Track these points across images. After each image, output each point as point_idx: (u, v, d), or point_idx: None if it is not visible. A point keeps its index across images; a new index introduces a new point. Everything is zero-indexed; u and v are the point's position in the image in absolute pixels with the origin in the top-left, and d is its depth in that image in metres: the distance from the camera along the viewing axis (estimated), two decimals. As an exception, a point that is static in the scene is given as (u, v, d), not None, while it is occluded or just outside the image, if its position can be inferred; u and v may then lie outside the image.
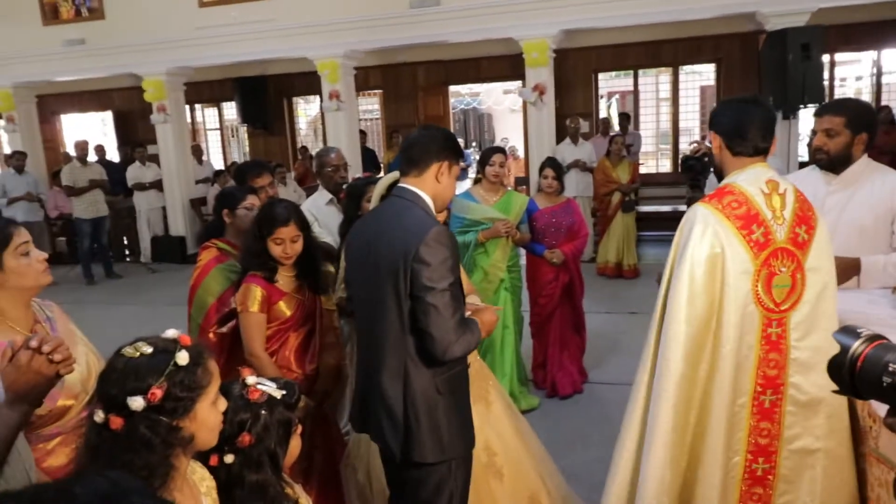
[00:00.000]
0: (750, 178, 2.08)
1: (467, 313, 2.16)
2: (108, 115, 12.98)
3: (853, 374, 1.03)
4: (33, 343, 1.37)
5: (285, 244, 2.57)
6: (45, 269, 1.84)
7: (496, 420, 2.39)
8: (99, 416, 1.31)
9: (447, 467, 2.17)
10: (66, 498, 0.71)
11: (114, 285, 8.92)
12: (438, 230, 2.05)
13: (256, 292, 2.55)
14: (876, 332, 1.05)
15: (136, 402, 1.28)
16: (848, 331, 1.06)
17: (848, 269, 2.60)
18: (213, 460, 1.55)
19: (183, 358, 1.33)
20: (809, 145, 2.88)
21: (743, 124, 2.09)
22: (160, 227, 10.10)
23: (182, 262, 9.43)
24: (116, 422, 1.29)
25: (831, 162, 2.71)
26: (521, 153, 12.54)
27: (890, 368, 0.98)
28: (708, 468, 2.05)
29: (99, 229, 8.86)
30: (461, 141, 18.58)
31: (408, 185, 2.20)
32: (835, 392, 1.10)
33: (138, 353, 1.32)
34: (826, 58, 9.33)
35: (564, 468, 3.57)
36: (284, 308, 2.62)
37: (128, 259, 10.45)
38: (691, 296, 2.00)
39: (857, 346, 1.04)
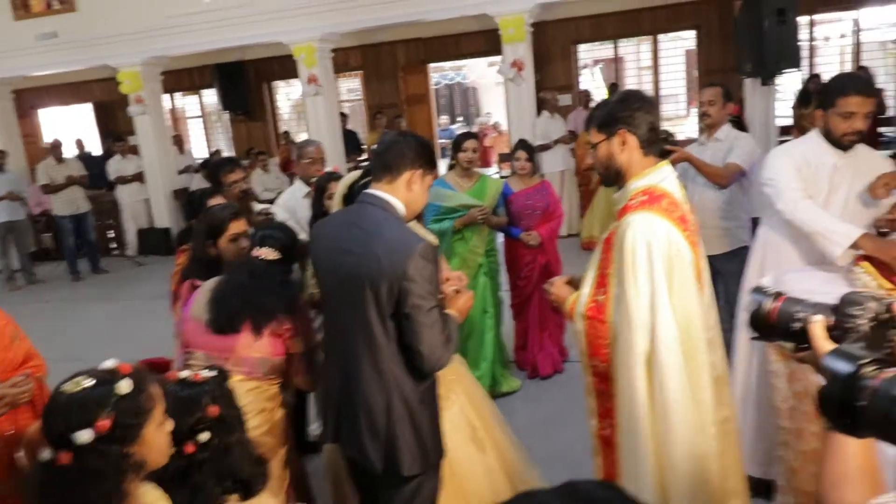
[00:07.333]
0: (668, 179, 2.02)
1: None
2: (88, 107, 12.86)
3: (768, 324, 1.30)
4: None
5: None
6: None
7: (448, 426, 2.41)
8: (46, 454, 1.32)
9: (425, 476, 2.16)
10: None
11: (100, 280, 8.90)
12: (425, 246, 2.00)
13: None
14: (778, 290, 1.31)
15: (84, 436, 1.30)
16: (759, 291, 1.33)
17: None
18: (190, 448, 1.63)
19: (125, 386, 1.35)
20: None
21: (655, 123, 2.01)
22: (144, 219, 10.05)
23: (167, 253, 9.35)
24: (65, 457, 1.30)
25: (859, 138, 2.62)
26: (505, 128, 12.47)
27: (796, 317, 1.25)
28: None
29: (82, 225, 8.78)
30: (446, 116, 18.48)
31: (379, 191, 2.10)
32: (754, 339, 1.36)
33: (79, 388, 1.33)
34: (806, 19, 9.28)
35: (545, 450, 3.61)
36: None
37: (114, 253, 10.39)
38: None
39: (769, 302, 1.30)
